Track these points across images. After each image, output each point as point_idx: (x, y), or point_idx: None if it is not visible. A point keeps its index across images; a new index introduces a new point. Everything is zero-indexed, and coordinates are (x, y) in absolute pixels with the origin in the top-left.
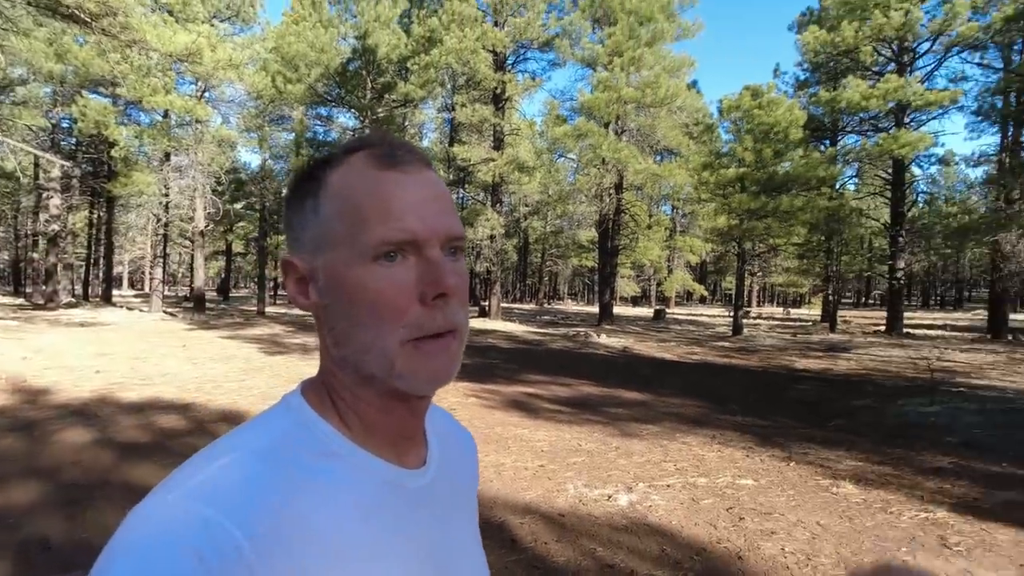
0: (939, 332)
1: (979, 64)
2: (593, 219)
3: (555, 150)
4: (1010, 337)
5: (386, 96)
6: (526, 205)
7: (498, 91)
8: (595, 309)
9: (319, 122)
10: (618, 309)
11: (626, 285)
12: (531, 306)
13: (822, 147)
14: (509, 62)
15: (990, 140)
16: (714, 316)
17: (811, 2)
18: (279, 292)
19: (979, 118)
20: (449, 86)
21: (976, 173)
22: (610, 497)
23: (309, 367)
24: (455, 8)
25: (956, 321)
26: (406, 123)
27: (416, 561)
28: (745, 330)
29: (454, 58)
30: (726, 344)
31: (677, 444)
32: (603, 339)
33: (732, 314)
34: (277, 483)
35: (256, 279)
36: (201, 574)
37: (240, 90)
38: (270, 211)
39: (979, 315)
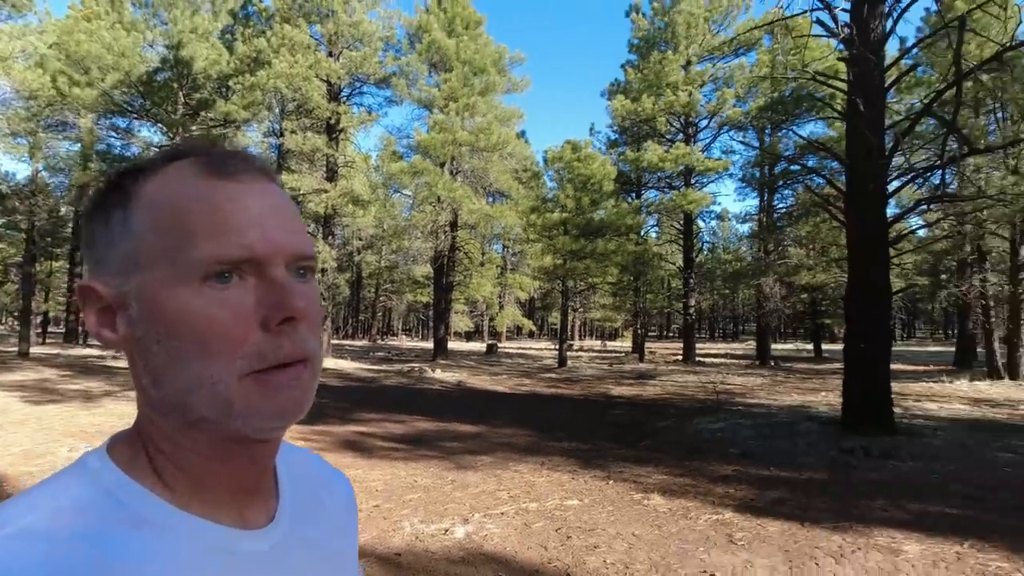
0: (722, 360)
1: (742, 142)
2: (428, 255)
3: (391, 185)
4: (772, 363)
5: (203, 113)
6: (360, 239)
7: (332, 121)
8: (430, 345)
9: (115, 134)
10: (453, 344)
11: (460, 320)
12: (364, 342)
13: (630, 199)
14: (344, 94)
15: (753, 202)
16: (542, 349)
17: (619, 75)
18: (49, 329)
19: (744, 184)
20: (277, 110)
21: (744, 228)
22: (447, 531)
23: (94, 417)
24: (286, 32)
25: (734, 350)
26: (226, 144)
27: None
28: (569, 362)
29: (284, 83)
30: (553, 375)
31: (510, 472)
32: (438, 374)
33: (557, 347)
34: (58, 572)
35: (18, 313)
36: None
37: (6, 87)
38: (41, 232)
39: (750, 345)
